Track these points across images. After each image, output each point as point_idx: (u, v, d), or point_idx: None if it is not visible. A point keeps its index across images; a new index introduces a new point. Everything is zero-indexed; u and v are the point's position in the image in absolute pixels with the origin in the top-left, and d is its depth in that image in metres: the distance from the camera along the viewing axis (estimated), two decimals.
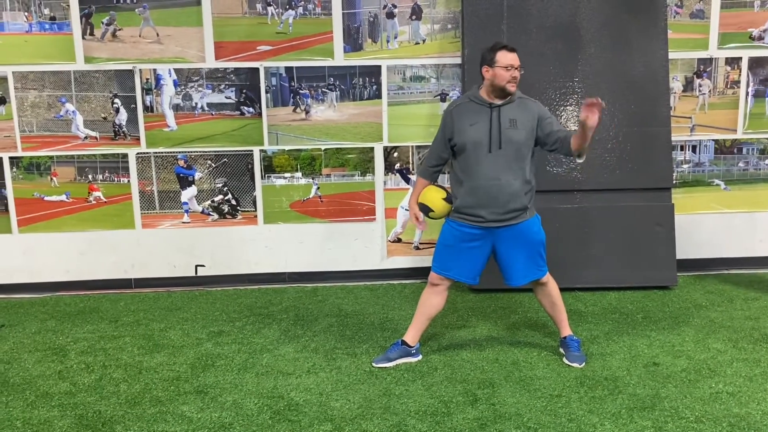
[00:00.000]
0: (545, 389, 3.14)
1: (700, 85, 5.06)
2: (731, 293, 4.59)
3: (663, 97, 4.73)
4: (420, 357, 3.52)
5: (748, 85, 5.08)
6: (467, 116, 3.29)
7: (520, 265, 3.36)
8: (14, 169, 4.86)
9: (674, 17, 4.97)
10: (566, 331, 3.53)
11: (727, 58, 5.04)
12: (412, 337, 3.50)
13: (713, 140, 5.13)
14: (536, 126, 3.28)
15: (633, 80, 4.71)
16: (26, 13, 4.70)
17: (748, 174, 5.19)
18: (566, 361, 3.43)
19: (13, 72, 4.74)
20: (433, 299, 3.47)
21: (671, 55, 4.84)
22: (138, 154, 4.91)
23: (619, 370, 3.33)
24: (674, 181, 4.98)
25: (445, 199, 3.38)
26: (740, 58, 5.04)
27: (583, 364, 3.40)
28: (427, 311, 3.49)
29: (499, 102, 3.27)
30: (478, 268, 3.40)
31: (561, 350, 3.54)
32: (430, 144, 3.46)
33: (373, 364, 3.45)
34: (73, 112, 4.84)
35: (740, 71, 5.06)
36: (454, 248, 3.36)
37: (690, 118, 5.10)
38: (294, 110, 4.94)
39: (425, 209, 3.40)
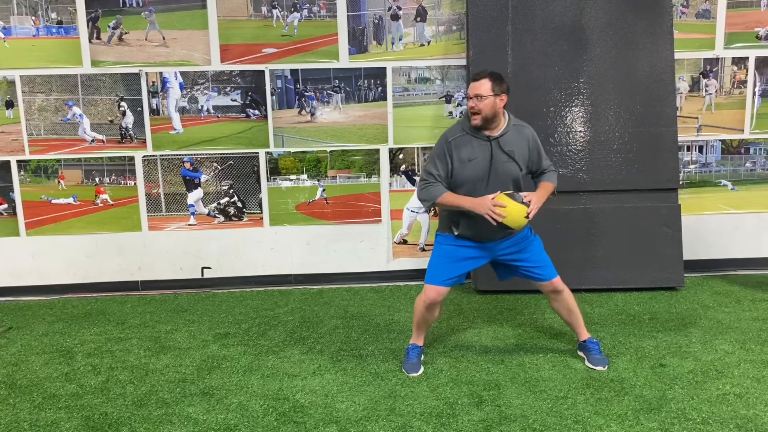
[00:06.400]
0: (551, 391, 3.14)
1: (706, 85, 5.04)
2: (739, 294, 4.56)
3: (669, 97, 4.72)
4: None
5: (755, 85, 5.05)
6: (465, 151, 3.15)
7: (540, 258, 3.31)
8: (22, 173, 4.89)
9: (680, 17, 4.95)
10: (585, 334, 3.48)
11: (733, 58, 5.02)
12: (421, 340, 3.49)
13: (720, 140, 5.11)
14: (528, 155, 3.21)
15: (639, 80, 4.69)
16: (33, 18, 4.74)
17: (755, 174, 5.16)
18: (590, 365, 3.37)
19: (20, 76, 4.78)
20: (435, 312, 3.39)
21: (677, 55, 4.83)
22: (144, 156, 4.93)
23: (626, 372, 3.32)
24: (681, 182, 4.95)
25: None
26: (747, 58, 5.02)
27: (607, 366, 3.36)
28: (429, 321, 3.43)
29: (495, 134, 3.16)
30: (470, 270, 3.39)
31: (581, 354, 3.48)
32: (429, 159, 3.26)
33: (412, 375, 3.34)
34: (80, 115, 4.86)
35: (747, 71, 5.04)
36: (456, 260, 3.29)
37: (696, 118, 5.08)
38: (299, 112, 4.95)
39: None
